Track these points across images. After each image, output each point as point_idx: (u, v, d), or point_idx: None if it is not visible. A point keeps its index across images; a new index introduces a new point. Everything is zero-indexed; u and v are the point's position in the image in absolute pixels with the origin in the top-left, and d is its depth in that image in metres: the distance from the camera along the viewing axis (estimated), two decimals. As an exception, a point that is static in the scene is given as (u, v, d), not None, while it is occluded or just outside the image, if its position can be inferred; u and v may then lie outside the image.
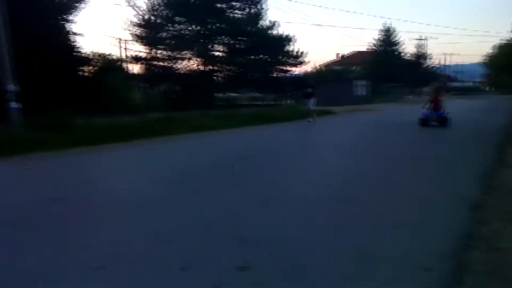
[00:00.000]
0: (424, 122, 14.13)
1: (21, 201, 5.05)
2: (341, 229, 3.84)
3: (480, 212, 4.24)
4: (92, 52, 24.17)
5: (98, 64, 23.97)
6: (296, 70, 35.92)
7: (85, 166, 7.87)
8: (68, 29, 22.04)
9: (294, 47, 32.62)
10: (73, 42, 22.23)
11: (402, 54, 57.59)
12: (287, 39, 32.14)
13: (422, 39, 59.15)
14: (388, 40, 56.04)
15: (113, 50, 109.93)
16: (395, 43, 56.62)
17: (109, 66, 24.29)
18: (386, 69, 51.14)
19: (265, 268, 2.98)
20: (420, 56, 59.47)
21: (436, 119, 14.02)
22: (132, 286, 2.80)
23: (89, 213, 4.51)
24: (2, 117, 11.28)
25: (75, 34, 22.36)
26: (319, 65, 53.40)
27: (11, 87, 11.17)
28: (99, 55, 24.53)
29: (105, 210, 4.63)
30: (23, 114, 11.38)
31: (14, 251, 3.44)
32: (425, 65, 60.46)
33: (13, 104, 11.20)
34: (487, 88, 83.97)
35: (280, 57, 32.38)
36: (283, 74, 33.80)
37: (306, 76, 38.95)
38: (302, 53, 32.68)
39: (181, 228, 3.92)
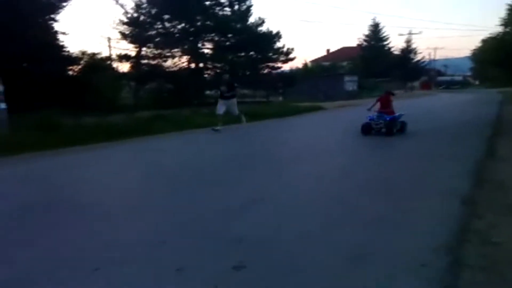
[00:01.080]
0: (367, 128, 10.61)
1: (10, 204, 4.97)
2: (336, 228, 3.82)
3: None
4: (79, 51, 23.93)
5: (86, 63, 23.72)
6: (285, 67, 35.95)
7: (73, 166, 7.76)
8: (55, 28, 21.85)
9: (283, 43, 32.65)
10: (60, 41, 22.05)
11: (390, 49, 57.86)
12: (275, 36, 32.11)
13: (410, 34, 59.51)
14: (376, 36, 56.28)
15: (100, 49, 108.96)
16: (383, 39, 56.87)
17: (97, 65, 24.04)
18: (374, 65, 51.36)
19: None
20: (408, 51, 59.76)
21: (384, 125, 10.46)
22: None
23: (81, 214, 4.45)
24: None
25: (62, 33, 22.17)
26: (308, 61, 53.55)
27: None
28: (87, 54, 24.26)
29: (96, 210, 4.58)
30: (8, 114, 11.22)
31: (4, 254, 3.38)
32: (414, 59, 60.79)
33: (0, 105, 11.05)
34: (476, 82, 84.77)
35: (269, 53, 32.34)
36: (272, 71, 33.76)
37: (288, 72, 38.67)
38: (290, 49, 32.70)
39: (170, 228, 3.89)
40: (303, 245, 3.38)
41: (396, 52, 58.54)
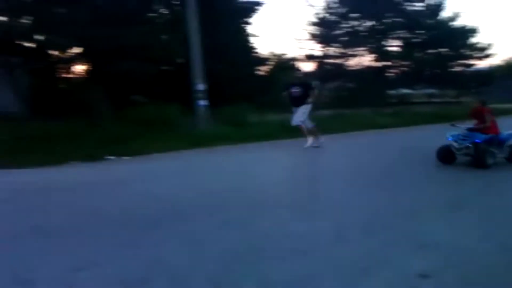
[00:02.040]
0: (446, 154, 7.41)
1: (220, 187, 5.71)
2: None
3: None
4: (268, 52, 25.78)
5: (273, 63, 25.40)
6: (481, 64, 32.30)
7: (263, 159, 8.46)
8: (247, 31, 23.87)
9: (479, 39, 29.47)
10: (251, 43, 24.00)
11: None
12: (471, 31, 29.16)
13: None
14: None
15: (289, 50, 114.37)
16: None
17: (283, 65, 25.52)
18: None
19: None
20: None
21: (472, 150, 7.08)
22: None
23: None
24: (192, 113, 12.87)
25: (253, 36, 24.10)
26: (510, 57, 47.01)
27: (201, 86, 12.63)
28: (274, 55, 25.98)
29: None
30: (210, 110, 12.76)
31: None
32: None
33: (202, 102, 12.64)
34: None
35: (462, 50, 29.56)
36: (465, 69, 30.75)
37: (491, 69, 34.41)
38: (488, 45, 29.34)
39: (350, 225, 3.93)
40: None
41: None
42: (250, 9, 23.23)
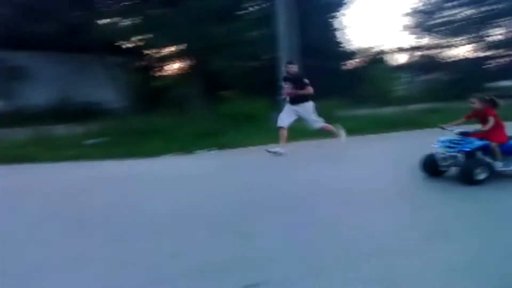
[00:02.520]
0: (431, 165, 6.03)
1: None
2: None
3: None
4: (358, 46, 25.27)
5: (363, 56, 24.86)
6: None
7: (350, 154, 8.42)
8: (336, 25, 23.58)
9: None
10: (339, 37, 23.66)
11: None
12: None
13: None
14: None
15: (379, 42, 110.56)
16: None
17: (373, 59, 24.88)
18: None
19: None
20: None
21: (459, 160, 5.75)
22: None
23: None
24: (277, 110, 13.06)
25: (342, 29, 23.75)
26: None
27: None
28: (363, 48, 25.41)
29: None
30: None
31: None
32: None
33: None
34: None
35: None
36: None
37: None
38: None
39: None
40: None
41: None
42: (339, 3, 22.92)
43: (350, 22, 62.46)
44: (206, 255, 3.47)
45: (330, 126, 9.19)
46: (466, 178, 5.46)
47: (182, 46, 17.27)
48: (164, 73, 22.48)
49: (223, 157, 8.88)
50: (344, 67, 24.20)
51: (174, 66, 21.46)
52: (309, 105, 8.79)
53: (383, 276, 2.91)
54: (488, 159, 5.67)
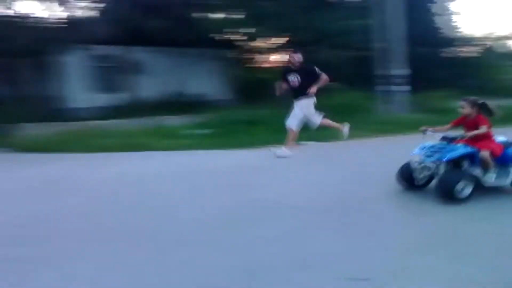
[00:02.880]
0: (405, 175, 5.07)
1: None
2: None
3: None
4: (473, 32, 23.46)
5: (480, 44, 23.06)
6: None
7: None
8: (449, 11, 22.08)
9: None
10: (454, 24, 22.14)
11: None
12: None
13: None
14: None
15: (490, 29, 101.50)
16: None
17: (485, 46, 22.98)
18: None
19: None
20: None
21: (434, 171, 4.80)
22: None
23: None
24: (387, 100, 12.60)
25: (456, 15, 22.19)
26: None
27: (399, 71, 12.21)
28: (482, 35, 23.55)
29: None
30: (408, 96, 12.29)
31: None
32: None
33: (399, 87, 12.24)
34: None
35: None
36: None
37: None
38: None
39: None
40: None
41: None
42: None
43: (460, 8, 57.94)
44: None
45: (330, 121, 8.24)
46: (445, 194, 4.51)
47: (286, 38, 17.41)
48: (267, 65, 22.85)
49: (323, 149, 8.92)
50: (452, 56, 22.65)
51: (277, 58, 21.70)
52: (307, 101, 7.82)
53: None
54: (476, 171, 4.69)
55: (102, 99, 17.09)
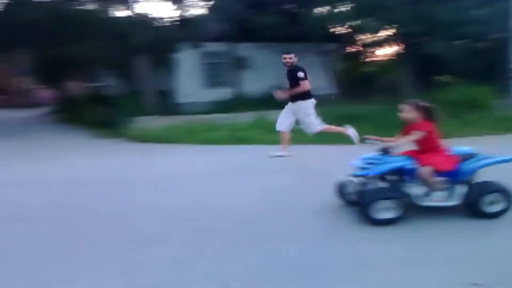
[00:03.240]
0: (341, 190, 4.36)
1: None
2: None
3: None
4: None
5: None
6: None
7: None
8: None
9: None
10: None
11: None
12: None
13: None
14: None
15: None
16: None
17: None
18: None
19: None
20: None
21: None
22: None
23: None
24: (504, 94, 11.49)
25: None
26: None
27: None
28: None
29: None
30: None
31: None
32: None
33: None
34: None
35: None
36: None
37: None
38: None
39: None
40: None
41: None
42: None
43: None
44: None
45: (332, 127, 7.77)
46: (363, 214, 3.88)
47: (395, 30, 16.59)
48: (374, 59, 22.01)
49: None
50: None
51: (385, 51, 20.82)
52: (306, 104, 7.41)
53: None
54: (416, 189, 3.96)
55: (209, 94, 17.76)
